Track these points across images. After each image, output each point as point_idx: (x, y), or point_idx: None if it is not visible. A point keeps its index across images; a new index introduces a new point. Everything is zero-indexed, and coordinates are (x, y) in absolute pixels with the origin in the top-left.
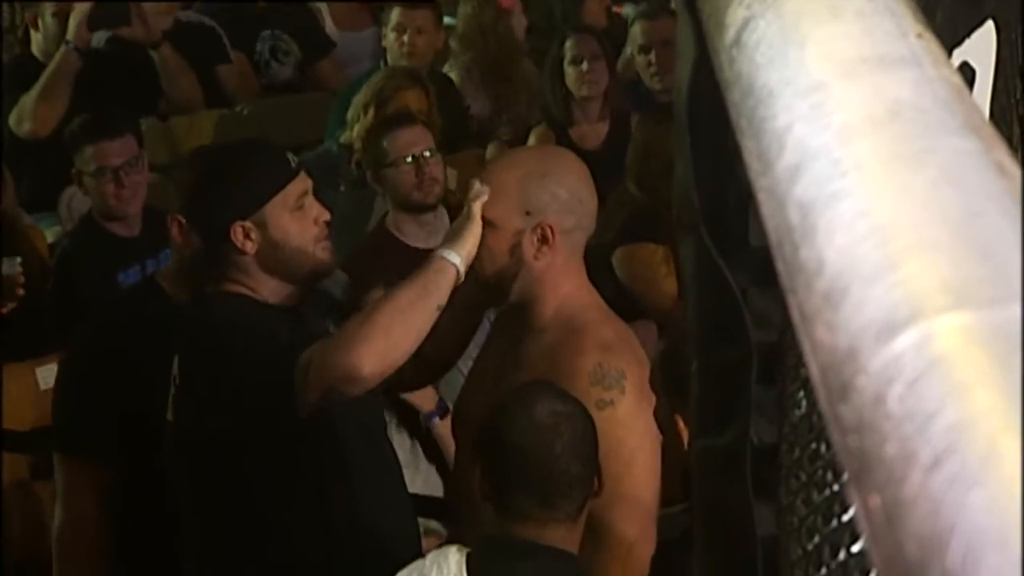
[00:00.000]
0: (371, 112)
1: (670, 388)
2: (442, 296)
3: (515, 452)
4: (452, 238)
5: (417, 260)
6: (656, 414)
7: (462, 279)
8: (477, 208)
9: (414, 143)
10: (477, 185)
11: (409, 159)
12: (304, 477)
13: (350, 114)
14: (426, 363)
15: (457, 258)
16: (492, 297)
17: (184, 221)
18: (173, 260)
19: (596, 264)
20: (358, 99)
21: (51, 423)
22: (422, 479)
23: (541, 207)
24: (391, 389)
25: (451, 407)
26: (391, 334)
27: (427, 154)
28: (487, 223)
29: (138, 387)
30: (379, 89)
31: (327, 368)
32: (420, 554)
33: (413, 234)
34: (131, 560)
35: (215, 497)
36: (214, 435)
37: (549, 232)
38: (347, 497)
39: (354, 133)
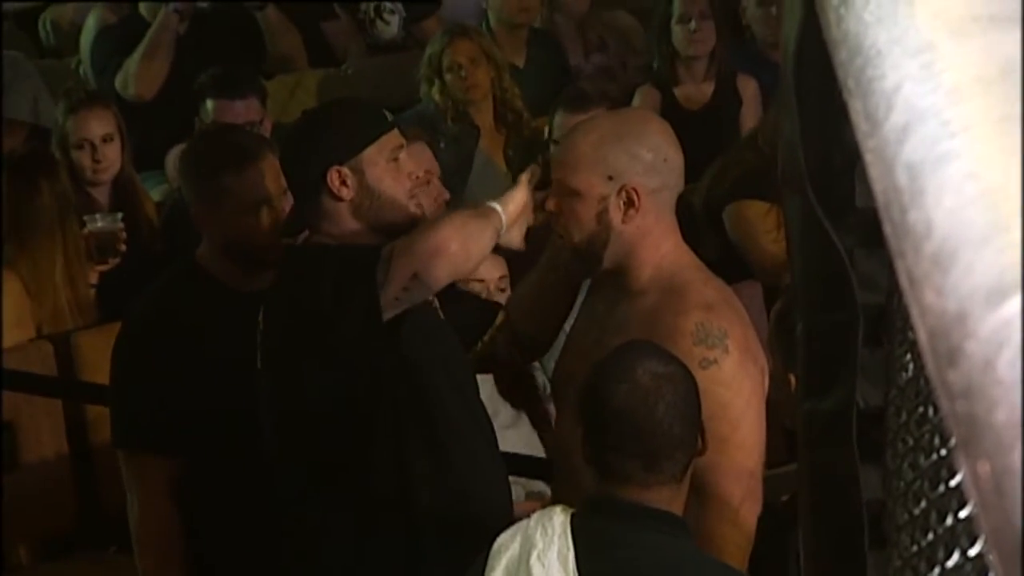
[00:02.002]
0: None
1: (784, 347)
2: (493, 229)
3: (617, 415)
4: (500, 198)
5: None
6: (771, 374)
7: (503, 229)
8: (526, 176)
9: None
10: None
11: None
12: (393, 432)
13: (423, 72)
14: (520, 341)
15: (500, 210)
16: (585, 266)
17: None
18: (205, 242)
19: (705, 221)
20: (423, 60)
21: (110, 416)
22: (524, 440)
23: (622, 170)
24: (483, 370)
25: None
26: (467, 226)
27: None
28: (572, 192)
29: (195, 374)
30: (435, 43)
31: (412, 248)
32: (512, 519)
33: None
34: (203, 551)
35: (303, 448)
36: (300, 383)
37: (634, 195)
38: (438, 457)
39: (433, 91)
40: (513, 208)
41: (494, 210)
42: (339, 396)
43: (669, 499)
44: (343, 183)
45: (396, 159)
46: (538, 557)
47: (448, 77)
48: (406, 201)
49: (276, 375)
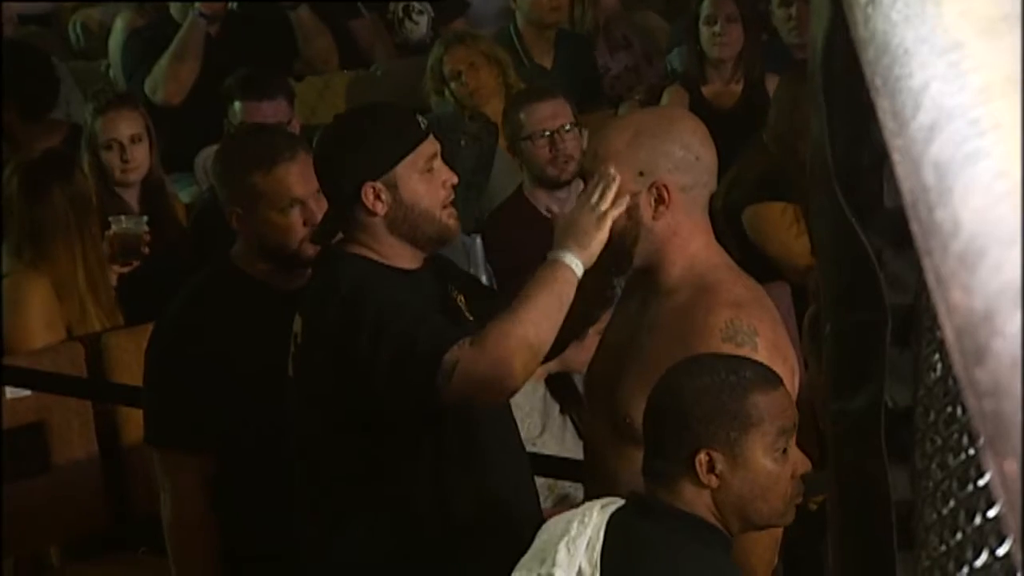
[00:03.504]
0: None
1: (818, 351)
2: (569, 299)
3: (662, 416)
4: (575, 236)
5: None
6: (807, 380)
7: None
8: (610, 216)
9: (551, 117)
10: (611, 176)
11: (546, 133)
12: (425, 450)
13: (428, 85)
14: None
15: (579, 266)
16: (615, 263)
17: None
18: (240, 241)
19: (727, 222)
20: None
21: (144, 415)
22: (555, 445)
23: (653, 167)
24: None
25: None
26: (534, 341)
27: (566, 128)
28: None
29: (229, 372)
30: (433, 53)
31: (477, 376)
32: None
33: (548, 205)
34: (234, 550)
35: (334, 458)
36: (333, 398)
37: (665, 191)
38: (471, 463)
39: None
40: (596, 250)
41: (571, 277)
42: (374, 411)
43: (698, 504)
44: (378, 198)
45: (431, 169)
46: (567, 543)
47: (452, 85)
48: (439, 213)
49: (307, 386)
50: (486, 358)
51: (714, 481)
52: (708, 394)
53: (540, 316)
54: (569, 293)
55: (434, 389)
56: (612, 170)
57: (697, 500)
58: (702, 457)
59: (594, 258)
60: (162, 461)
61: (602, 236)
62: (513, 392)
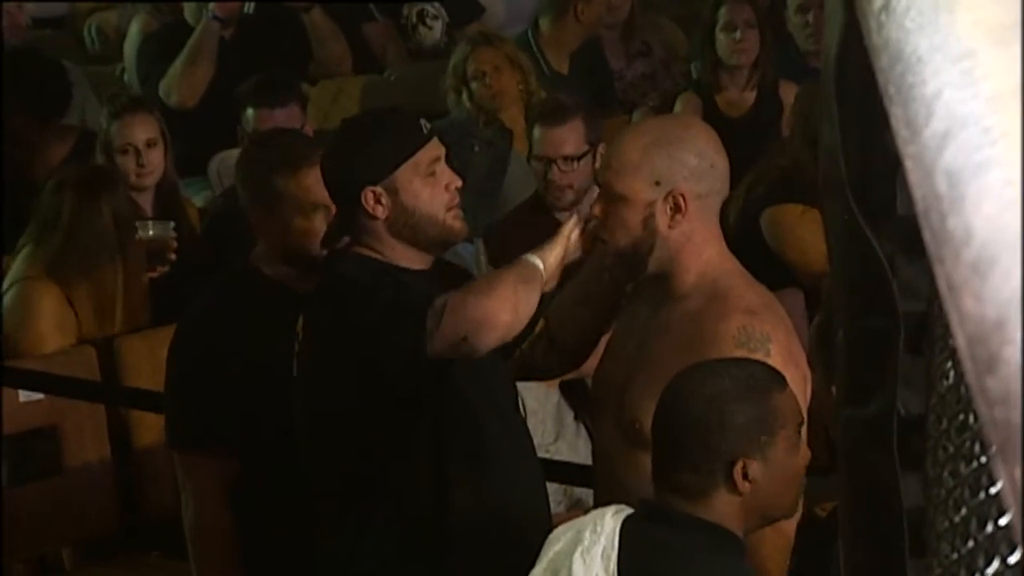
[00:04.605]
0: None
1: (825, 360)
2: (538, 284)
3: (672, 423)
4: (539, 248)
5: None
6: (813, 389)
7: (545, 287)
8: (568, 229)
9: (557, 144)
10: (595, 209)
11: (547, 160)
12: (426, 449)
13: (448, 82)
14: (557, 349)
15: (539, 263)
16: (629, 271)
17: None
18: (261, 244)
19: (744, 228)
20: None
21: (165, 419)
22: (569, 452)
23: (670, 175)
24: (522, 377)
25: None
26: (518, 293)
27: (571, 157)
28: (618, 198)
29: (251, 375)
30: (457, 53)
31: (465, 312)
32: (551, 529)
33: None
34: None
35: (339, 458)
36: (336, 394)
37: (681, 200)
38: (476, 467)
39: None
40: (553, 261)
41: (538, 270)
42: (376, 408)
43: (723, 513)
44: (378, 202)
45: (433, 173)
46: (581, 553)
47: (474, 85)
48: (443, 215)
49: (311, 384)
50: (473, 300)
51: (748, 488)
52: (733, 402)
53: (516, 283)
54: (535, 277)
55: (425, 334)
56: (574, 218)
57: (727, 509)
58: (739, 467)
59: (552, 266)
60: (183, 465)
61: (559, 250)
62: (495, 343)
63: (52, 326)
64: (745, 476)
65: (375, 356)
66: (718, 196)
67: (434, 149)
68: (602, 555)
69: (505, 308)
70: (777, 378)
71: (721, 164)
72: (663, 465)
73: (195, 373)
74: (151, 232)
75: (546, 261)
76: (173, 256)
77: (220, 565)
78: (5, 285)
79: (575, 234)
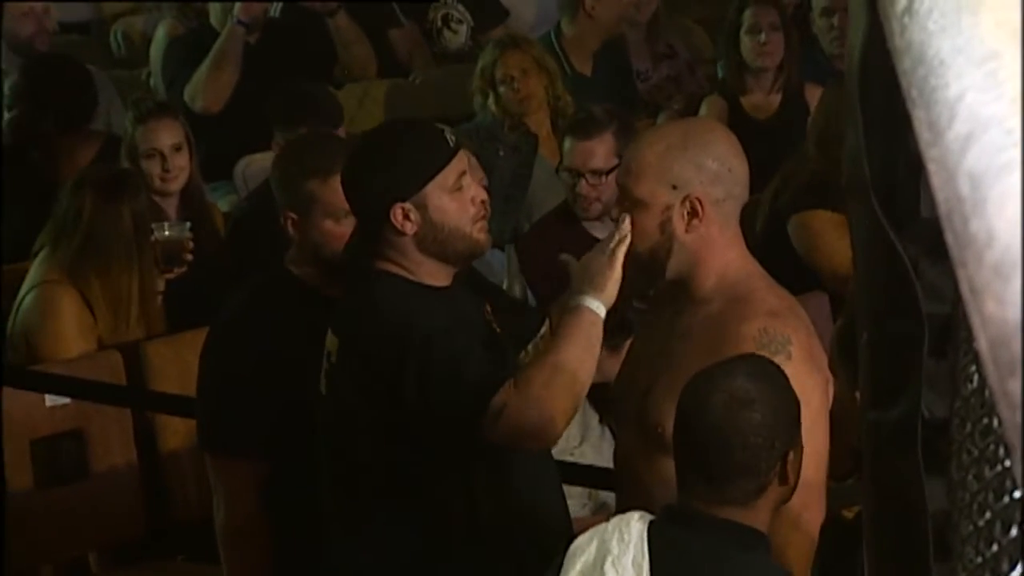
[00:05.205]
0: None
1: (848, 364)
2: (598, 340)
3: (695, 426)
4: (590, 279)
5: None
6: (835, 394)
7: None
8: (620, 253)
9: (586, 157)
10: (624, 224)
11: (574, 173)
12: (453, 453)
13: (475, 85)
14: None
15: (601, 308)
16: (648, 277)
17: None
18: (295, 247)
19: (771, 232)
20: (475, 72)
21: (197, 421)
22: (606, 453)
23: (687, 180)
24: None
25: None
26: (574, 389)
27: (599, 171)
28: (636, 201)
29: (283, 377)
30: (486, 56)
31: (523, 423)
32: (571, 531)
33: (591, 226)
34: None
35: (360, 475)
36: (366, 414)
37: (698, 204)
38: (500, 470)
39: (488, 103)
40: (612, 290)
41: (600, 318)
42: (405, 421)
43: (746, 514)
44: (407, 218)
45: (460, 187)
46: (612, 563)
47: (502, 89)
48: (470, 228)
49: (343, 403)
50: (532, 406)
51: (793, 481)
52: (772, 399)
53: (576, 363)
54: (597, 335)
55: (479, 429)
56: (626, 219)
57: (768, 511)
58: (790, 458)
59: (613, 297)
60: (215, 466)
61: (616, 275)
62: (555, 440)
63: (73, 329)
64: (786, 470)
65: (422, 419)
66: (737, 201)
67: (461, 162)
68: (633, 563)
69: (568, 398)
70: (768, 367)
71: (740, 168)
72: (692, 480)
73: (228, 376)
74: (167, 232)
75: (603, 297)
76: (189, 256)
77: (251, 567)
78: (24, 288)
79: (621, 249)
